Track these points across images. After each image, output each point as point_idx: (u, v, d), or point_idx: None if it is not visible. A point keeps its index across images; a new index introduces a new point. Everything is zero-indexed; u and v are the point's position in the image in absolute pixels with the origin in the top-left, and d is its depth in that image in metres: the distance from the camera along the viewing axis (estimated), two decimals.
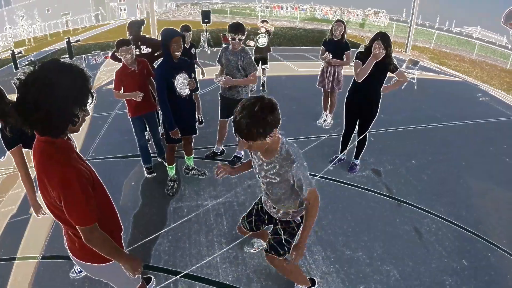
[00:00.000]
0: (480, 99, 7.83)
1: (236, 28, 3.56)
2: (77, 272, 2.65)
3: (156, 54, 4.38)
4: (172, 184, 3.73)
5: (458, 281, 2.85)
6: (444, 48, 18.24)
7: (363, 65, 3.62)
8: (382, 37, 3.53)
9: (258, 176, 2.09)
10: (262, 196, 2.40)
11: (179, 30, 3.71)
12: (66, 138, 1.41)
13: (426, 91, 7.68)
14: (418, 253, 3.11)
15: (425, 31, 20.06)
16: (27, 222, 3.23)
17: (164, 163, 4.13)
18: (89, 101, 1.32)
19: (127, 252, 1.65)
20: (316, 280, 2.64)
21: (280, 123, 1.73)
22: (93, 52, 9.68)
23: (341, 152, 4.40)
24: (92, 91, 1.33)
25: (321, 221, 3.36)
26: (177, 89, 3.23)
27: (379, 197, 3.84)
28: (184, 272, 2.69)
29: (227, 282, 2.65)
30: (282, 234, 2.23)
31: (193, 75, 3.54)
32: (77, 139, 4.11)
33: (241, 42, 3.65)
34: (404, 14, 25.63)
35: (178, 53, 3.10)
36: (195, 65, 5.03)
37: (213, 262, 2.80)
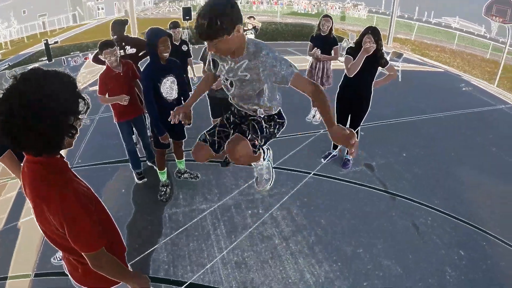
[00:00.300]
0: (463, 89, 7.99)
1: None
2: (59, 259, 2.59)
3: (140, 54, 4.24)
4: (164, 190, 3.63)
5: (457, 271, 2.90)
6: (425, 39, 18.60)
7: (354, 60, 3.61)
8: (373, 31, 3.54)
9: (225, 78, 1.96)
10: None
11: (166, 28, 3.58)
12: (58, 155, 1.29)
13: (410, 83, 7.77)
14: (417, 246, 3.13)
15: (403, 22, 20.35)
16: (16, 236, 3.07)
17: (154, 167, 4.02)
18: (83, 108, 1.19)
19: (132, 271, 1.56)
20: (265, 149, 2.35)
21: (242, 21, 1.71)
22: (72, 53, 9.34)
23: (333, 148, 4.39)
24: (83, 95, 1.20)
25: (319, 220, 3.34)
26: (163, 93, 3.12)
27: (374, 192, 3.86)
28: (189, 282, 2.60)
29: None
30: (263, 123, 2.07)
31: (185, 75, 3.42)
32: None
33: None
34: (383, 6, 25.92)
35: (166, 54, 2.96)
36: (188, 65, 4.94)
37: (215, 269, 2.73)
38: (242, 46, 1.79)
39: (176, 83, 3.14)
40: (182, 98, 3.26)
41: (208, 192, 3.68)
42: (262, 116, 2.07)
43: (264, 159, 2.34)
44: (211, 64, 2.04)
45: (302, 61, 9.50)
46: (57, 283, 2.58)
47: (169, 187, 3.68)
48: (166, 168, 3.65)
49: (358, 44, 3.63)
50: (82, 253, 1.27)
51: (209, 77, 2.17)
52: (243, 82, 1.90)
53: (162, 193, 3.59)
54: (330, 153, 4.41)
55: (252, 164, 2.32)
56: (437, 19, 22.58)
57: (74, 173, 1.36)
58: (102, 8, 28.12)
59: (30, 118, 1.06)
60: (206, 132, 2.21)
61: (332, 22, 4.90)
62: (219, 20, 1.59)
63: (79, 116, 1.19)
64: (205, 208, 3.43)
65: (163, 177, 3.65)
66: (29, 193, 1.23)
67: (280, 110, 2.14)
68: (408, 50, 12.64)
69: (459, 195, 3.90)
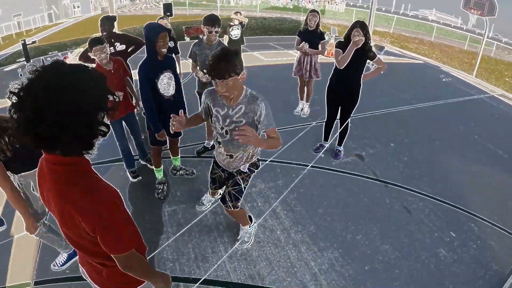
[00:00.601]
0: (443, 80, 8.27)
1: (213, 20, 3.47)
2: (60, 265, 2.58)
3: (129, 51, 4.18)
4: (162, 187, 3.62)
5: (451, 252, 3.06)
6: (403, 32, 19.01)
7: (343, 53, 3.69)
8: (361, 25, 3.65)
9: (220, 128, 2.29)
10: (213, 163, 2.71)
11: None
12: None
13: (392, 75, 7.96)
14: (411, 230, 3.27)
15: (381, 15, 20.76)
16: (10, 245, 2.94)
17: (148, 165, 4.00)
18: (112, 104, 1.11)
19: (156, 269, 1.56)
20: (252, 218, 3.05)
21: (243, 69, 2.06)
22: (50, 53, 9.04)
23: (324, 140, 4.49)
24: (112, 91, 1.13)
25: (317, 210, 3.43)
26: (160, 90, 3.09)
27: (367, 181, 3.98)
28: (203, 278, 2.63)
29: (240, 281, 2.63)
30: (242, 184, 2.54)
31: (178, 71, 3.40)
32: None
33: (217, 35, 3.57)
34: None
35: (164, 50, 2.93)
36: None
37: (221, 263, 2.76)
38: (241, 92, 2.15)
39: (173, 79, 3.12)
40: (178, 95, 3.25)
41: (205, 188, 3.67)
42: (243, 173, 2.50)
43: (250, 227, 2.95)
44: (203, 113, 2.39)
45: (283, 55, 9.62)
46: None
47: (166, 184, 3.67)
48: (162, 166, 3.64)
49: (347, 38, 3.72)
50: (113, 255, 1.21)
51: (201, 119, 2.51)
52: (237, 129, 2.16)
53: (160, 190, 3.58)
54: (321, 145, 4.51)
55: (241, 227, 2.97)
56: (414, 12, 23.12)
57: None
58: (78, 7, 27.25)
59: (63, 115, 0.97)
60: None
61: (319, 17, 4.97)
62: (235, 59, 1.96)
63: (109, 112, 1.12)
64: None
65: (159, 174, 3.64)
66: (55, 197, 1.14)
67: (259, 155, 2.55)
68: (387, 42, 12.92)
69: (446, 181, 4.08)
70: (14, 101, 0.99)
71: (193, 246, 2.94)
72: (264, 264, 2.79)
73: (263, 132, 2.20)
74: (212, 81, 2.05)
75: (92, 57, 3.22)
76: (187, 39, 10.77)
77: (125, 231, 1.20)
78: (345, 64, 3.67)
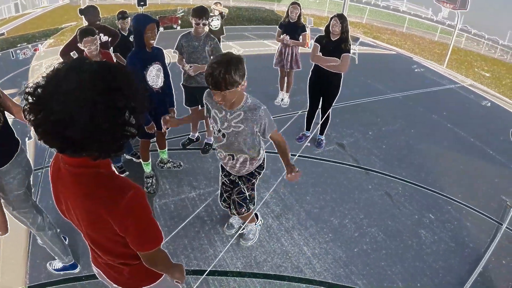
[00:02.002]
0: (416, 70, 8.62)
1: (201, 12, 3.45)
2: (54, 268, 2.55)
3: (109, 41, 4.10)
4: (150, 181, 3.60)
5: (431, 232, 3.28)
6: (376, 22, 19.44)
7: (320, 47, 3.91)
8: (338, 15, 3.85)
9: (218, 129, 2.24)
10: (221, 168, 2.64)
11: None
12: None
13: (367, 65, 8.22)
14: (394, 213, 3.47)
15: (354, 6, 21.09)
16: None
17: (134, 159, 3.96)
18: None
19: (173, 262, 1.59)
20: (259, 216, 3.07)
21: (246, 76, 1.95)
22: (19, 45, 8.57)
23: (306, 129, 4.63)
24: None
25: (305, 197, 3.55)
26: (149, 82, 3.07)
27: (349, 168, 4.14)
28: (208, 270, 2.67)
29: (238, 270, 2.70)
30: (246, 192, 2.54)
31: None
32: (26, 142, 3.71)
33: (205, 26, 3.57)
34: None
35: (153, 42, 2.90)
36: None
37: (217, 253, 2.82)
38: (241, 98, 2.08)
39: (162, 71, 3.11)
40: (166, 87, 3.24)
41: (194, 180, 3.72)
42: (248, 181, 2.52)
43: (255, 224, 2.96)
44: (205, 110, 2.31)
45: (259, 46, 9.65)
46: None
47: (154, 178, 3.66)
48: (150, 159, 3.62)
49: (327, 29, 3.87)
50: (141, 253, 1.21)
51: (201, 114, 2.44)
52: (235, 134, 2.19)
53: (149, 184, 3.57)
54: (304, 135, 4.63)
55: (246, 223, 2.90)
56: (386, 2, 23.62)
57: None
58: None
59: (98, 116, 0.91)
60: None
61: (300, 8, 5.05)
62: (234, 73, 1.84)
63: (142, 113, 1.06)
64: (195, 196, 3.47)
65: (147, 168, 3.61)
66: (81, 200, 1.10)
67: (264, 156, 2.54)
68: (360, 33, 13.22)
69: (423, 167, 4.32)
70: (32, 102, 0.92)
71: (188, 238, 2.96)
72: (260, 251, 2.87)
73: (266, 136, 2.21)
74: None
75: (81, 48, 3.08)
76: (161, 29, 10.56)
77: (154, 228, 1.20)
78: (345, 68, 3.86)
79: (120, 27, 4.47)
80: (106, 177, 1.09)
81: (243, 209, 2.57)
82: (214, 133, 2.28)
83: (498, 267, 3.02)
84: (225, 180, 2.67)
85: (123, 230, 1.12)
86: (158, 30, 2.96)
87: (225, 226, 3.07)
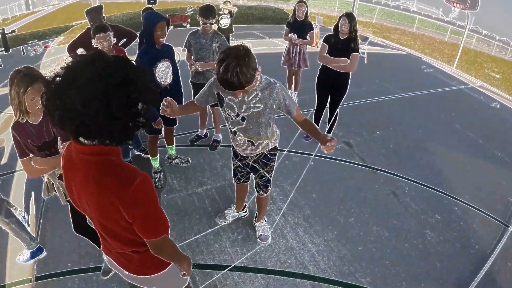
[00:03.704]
0: (425, 70, 8.55)
1: (207, 11, 3.49)
2: (23, 261, 2.59)
3: (120, 44, 4.10)
4: (158, 176, 3.65)
5: (436, 232, 3.27)
6: (386, 22, 19.28)
7: (328, 47, 3.93)
8: (347, 14, 3.85)
9: (236, 114, 2.20)
10: (235, 152, 2.61)
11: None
12: None
13: (376, 65, 8.19)
14: (400, 213, 3.47)
15: (364, 5, 20.95)
16: (5, 242, 2.85)
17: (143, 155, 4.02)
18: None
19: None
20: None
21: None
22: (30, 42, 8.70)
23: None
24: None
25: (311, 194, 3.57)
26: (158, 78, 3.11)
27: (355, 167, 4.15)
28: (206, 267, 2.70)
29: (243, 265, 2.74)
30: (267, 175, 2.62)
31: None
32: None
33: (212, 25, 3.60)
34: None
35: (163, 39, 2.96)
36: None
37: (223, 248, 2.86)
38: (256, 80, 2.01)
39: (171, 68, 3.15)
40: (175, 84, 3.28)
41: (202, 176, 3.76)
42: (267, 165, 2.56)
43: (265, 221, 3.04)
44: (202, 100, 2.29)
45: (269, 44, 9.66)
46: (61, 284, 2.54)
47: (162, 173, 3.71)
48: (158, 155, 3.67)
49: (336, 29, 3.88)
50: (148, 240, 1.25)
51: (196, 107, 2.40)
52: (256, 114, 2.17)
53: (157, 179, 3.62)
54: None
55: (256, 224, 3.03)
56: (396, 2, 23.39)
57: None
58: None
59: (112, 106, 0.98)
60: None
61: (307, 6, 5.05)
62: (249, 72, 1.83)
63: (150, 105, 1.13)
64: (202, 191, 3.51)
65: (155, 163, 3.67)
66: (91, 187, 1.13)
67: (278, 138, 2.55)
68: (370, 33, 13.15)
69: (430, 167, 4.30)
70: (51, 89, 0.99)
71: (194, 233, 3.01)
72: (265, 247, 2.90)
73: (293, 115, 2.21)
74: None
75: (94, 45, 3.08)
76: (171, 27, 10.63)
77: (161, 215, 1.24)
78: (353, 68, 3.86)
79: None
80: (115, 165, 1.14)
81: (268, 189, 2.73)
82: (232, 119, 2.25)
83: (503, 269, 3.01)
84: (239, 165, 2.68)
85: (131, 216, 1.16)
86: (168, 28, 3.00)
87: (218, 215, 3.15)
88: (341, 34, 3.83)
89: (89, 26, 3.67)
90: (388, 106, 5.98)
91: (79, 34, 3.78)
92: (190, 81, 3.93)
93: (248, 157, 2.54)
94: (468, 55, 13.94)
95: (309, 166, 3.98)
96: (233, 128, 2.34)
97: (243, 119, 2.21)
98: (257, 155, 2.48)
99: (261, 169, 2.58)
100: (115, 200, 1.12)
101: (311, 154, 4.23)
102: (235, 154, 2.62)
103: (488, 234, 3.35)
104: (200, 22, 3.55)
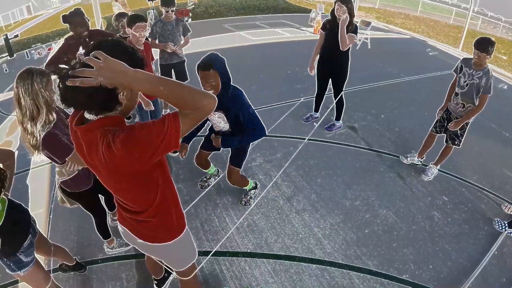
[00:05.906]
0: (430, 54, 8.39)
1: (169, 2, 3.95)
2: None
3: None
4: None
5: (444, 214, 3.24)
6: (389, 7, 18.90)
7: (325, 34, 3.95)
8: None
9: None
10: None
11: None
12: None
13: (379, 49, 8.05)
14: (406, 195, 3.44)
15: None
16: None
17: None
18: None
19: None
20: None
21: None
22: (33, 46, 8.72)
23: (315, 111, 4.65)
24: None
25: (316, 179, 3.55)
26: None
27: (361, 151, 4.11)
28: (214, 250, 2.71)
29: (248, 251, 2.74)
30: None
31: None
32: None
33: (174, 13, 4.07)
34: None
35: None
36: None
37: (229, 235, 2.86)
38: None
39: None
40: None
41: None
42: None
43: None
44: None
45: (271, 34, 9.53)
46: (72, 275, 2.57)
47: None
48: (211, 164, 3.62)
49: (332, 13, 3.80)
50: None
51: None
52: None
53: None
54: (311, 115, 4.65)
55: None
56: None
57: None
58: None
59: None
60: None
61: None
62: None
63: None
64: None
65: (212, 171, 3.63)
66: (101, 151, 1.16)
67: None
68: (373, 18, 12.89)
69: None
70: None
71: (200, 221, 3.01)
72: (271, 232, 2.90)
73: None
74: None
75: (133, 33, 2.97)
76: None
77: (175, 132, 1.18)
78: (346, 43, 3.74)
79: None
80: (122, 125, 1.24)
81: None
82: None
83: None
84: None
85: (151, 149, 1.15)
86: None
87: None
88: (338, 19, 3.76)
89: (68, 37, 3.39)
90: (393, 90, 5.88)
91: (57, 49, 3.51)
92: (160, 63, 4.29)
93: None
94: (473, 37, 13.61)
95: (314, 152, 3.96)
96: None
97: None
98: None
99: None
100: (136, 150, 1.15)
101: (316, 140, 4.20)
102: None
103: (496, 215, 3.29)
104: (163, 11, 4.00)
